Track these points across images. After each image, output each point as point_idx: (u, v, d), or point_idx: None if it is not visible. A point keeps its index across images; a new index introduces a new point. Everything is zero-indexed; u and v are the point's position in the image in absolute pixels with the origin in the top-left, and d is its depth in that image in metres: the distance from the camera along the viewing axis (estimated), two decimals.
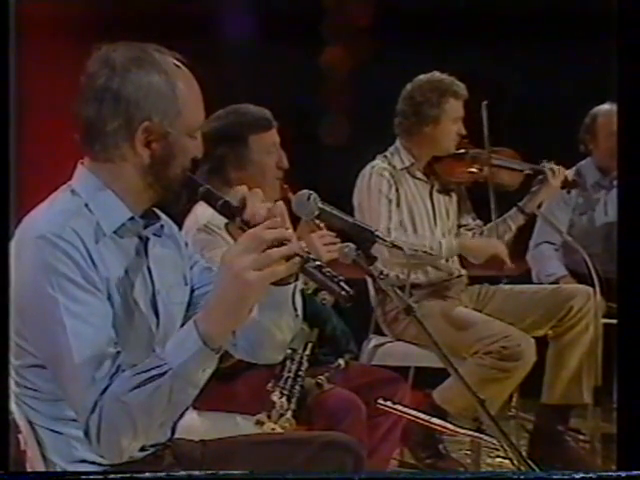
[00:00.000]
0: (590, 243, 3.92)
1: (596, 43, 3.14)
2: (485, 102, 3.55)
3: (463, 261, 3.73)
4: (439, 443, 3.59)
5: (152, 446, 1.86)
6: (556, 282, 4.01)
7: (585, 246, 3.67)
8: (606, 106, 4.08)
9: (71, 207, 1.77)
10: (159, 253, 1.88)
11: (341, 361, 2.90)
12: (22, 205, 1.80)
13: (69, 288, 1.68)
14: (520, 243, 3.81)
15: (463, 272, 3.71)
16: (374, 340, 3.61)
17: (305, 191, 2.29)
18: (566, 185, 3.75)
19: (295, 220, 2.47)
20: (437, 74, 3.59)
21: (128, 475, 1.69)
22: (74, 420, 1.74)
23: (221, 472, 1.79)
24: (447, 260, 3.62)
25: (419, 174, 3.65)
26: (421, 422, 2.21)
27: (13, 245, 1.73)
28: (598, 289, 3.51)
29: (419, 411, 2.21)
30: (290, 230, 1.69)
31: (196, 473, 1.72)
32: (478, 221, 3.77)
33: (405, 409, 2.20)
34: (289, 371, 2.69)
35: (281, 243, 1.63)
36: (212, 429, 2.46)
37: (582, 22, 4.06)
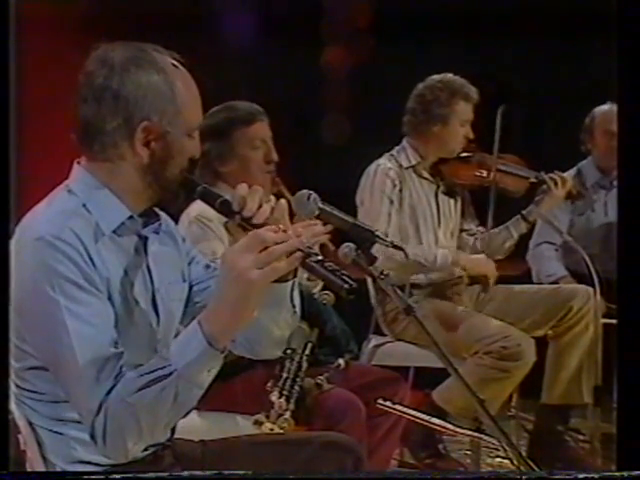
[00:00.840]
0: (590, 243, 3.92)
1: (596, 43, 3.15)
2: (502, 107, 3.53)
3: None
4: (439, 443, 3.59)
5: (152, 446, 1.86)
6: (556, 282, 4.01)
7: (585, 246, 3.67)
8: (604, 106, 4.09)
9: (69, 207, 1.77)
10: (158, 250, 1.88)
11: (341, 361, 2.90)
12: (22, 205, 1.80)
13: (70, 289, 1.68)
14: (520, 243, 3.81)
15: (463, 272, 3.71)
16: (374, 340, 3.61)
17: (305, 191, 2.29)
18: (571, 196, 3.74)
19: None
20: (450, 75, 3.59)
21: (130, 475, 1.69)
22: (74, 421, 1.75)
23: (223, 472, 1.79)
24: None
25: (425, 173, 3.64)
26: (421, 422, 2.21)
27: (11, 246, 1.73)
28: (598, 289, 3.50)
29: (419, 411, 2.21)
30: (291, 229, 1.69)
31: (198, 473, 1.72)
32: (481, 227, 3.76)
33: (405, 409, 2.20)
34: (288, 371, 2.69)
35: (282, 241, 1.63)
36: (212, 429, 2.46)
37: (582, 22, 4.07)
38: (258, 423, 2.56)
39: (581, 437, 3.84)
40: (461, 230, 3.77)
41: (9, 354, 1.72)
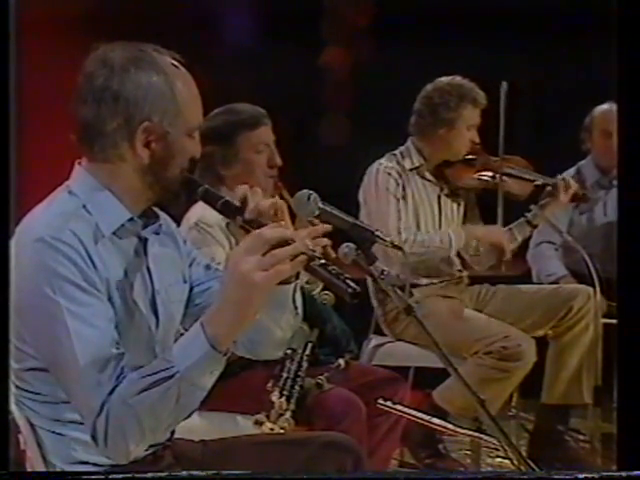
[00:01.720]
0: (590, 243, 3.91)
1: (596, 43, 3.14)
2: (504, 83, 3.49)
3: (464, 262, 3.73)
4: (439, 443, 3.59)
5: (152, 446, 1.85)
6: (556, 282, 4.01)
7: (585, 246, 3.66)
8: (603, 105, 4.09)
9: (69, 208, 1.76)
10: (158, 252, 1.88)
11: (341, 361, 2.90)
12: (22, 205, 1.79)
13: (70, 291, 1.68)
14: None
15: (464, 272, 3.71)
16: (374, 340, 3.61)
17: (305, 191, 2.29)
18: (576, 199, 3.72)
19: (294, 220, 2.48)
20: (458, 78, 3.57)
21: (130, 475, 1.69)
22: (74, 422, 1.75)
23: (223, 472, 1.78)
24: (449, 261, 3.62)
25: (428, 175, 3.63)
26: (421, 422, 2.21)
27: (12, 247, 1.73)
28: (598, 289, 3.50)
29: (419, 411, 2.22)
30: (292, 229, 1.69)
31: (198, 473, 1.71)
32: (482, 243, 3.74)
33: (405, 409, 2.20)
34: (288, 371, 2.69)
35: (286, 242, 1.62)
36: (212, 429, 2.46)
37: (582, 21, 4.07)
38: (259, 423, 2.56)
39: (581, 437, 3.84)
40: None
41: (9, 355, 1.71)
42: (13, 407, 1.79)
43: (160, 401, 1.64)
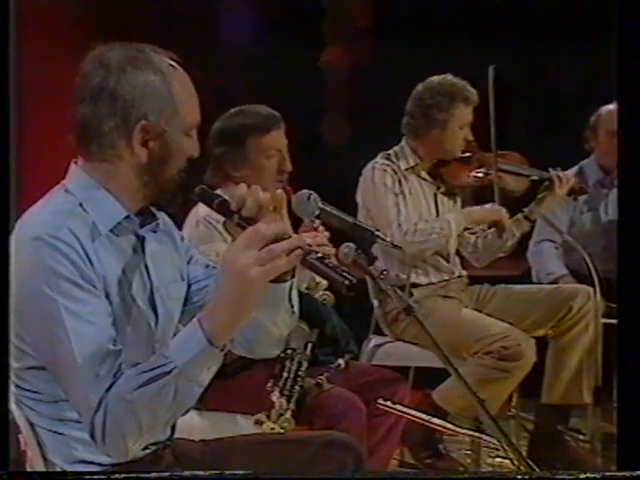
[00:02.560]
0: (590, 242, 3.91)
1: (596, 42, 3.14)
2: (491, 67, 3.45)
3: (464, 261, 3.73)
4: (439, 443, 3.59)
5: (152, 445, 1.86)
6: (556, 281, 4.00)
7: (585, 245, 3.67)
8: (610, 105, 4.07)
9: (66, 207, 1.77)
10: (156, 249, 1.89)
11: (341, 361, 2.90)
12: (22, 204, 1.79)
13: (68, 288, 1.68)
14: (521, 241, 3.80)
15: (463, 272, 3.71)
16: (374, 340, 3.60)
17: (305, 191, 2.30)
18: (573, 192, 3.71)
19: (295, 220, 2.48)
20: (449, 77, 3.54)
21: (132, 475, 1.69)
22: (74, 421, 1.75)
23: (223, 472, 1.79)
24: (448, 261, 3.62)
25: (424, 174, 3.63)
26: (421, 422, 2.21)
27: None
28: (598, 289, 3.50)
29: (419, 411, 2.22)
30: (288, 222, 1.69)
31: (198, 473, 1.72)
32: (482, 225, 3.75)
33: (405, 409, 2.20)
34: (288, 371, 2.69)
35: (282, 237, 1.63)
36: (212, 429, 2.46)
37: (581, 21, 4.07)
38: (259, 423, 2.56)
39: (581, 437, 3.83)
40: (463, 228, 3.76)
41: (9, 354, 1.72)
42: (13, 407, 1.79)
43: (158, 397, 1.64)
